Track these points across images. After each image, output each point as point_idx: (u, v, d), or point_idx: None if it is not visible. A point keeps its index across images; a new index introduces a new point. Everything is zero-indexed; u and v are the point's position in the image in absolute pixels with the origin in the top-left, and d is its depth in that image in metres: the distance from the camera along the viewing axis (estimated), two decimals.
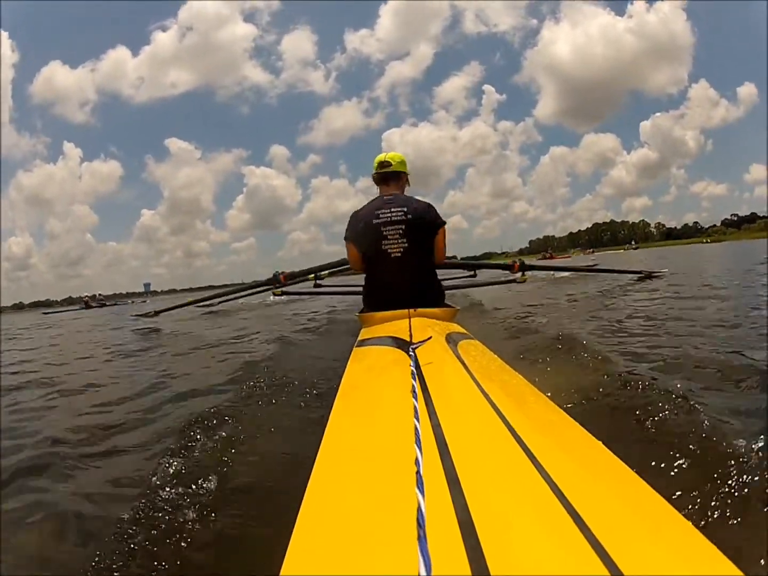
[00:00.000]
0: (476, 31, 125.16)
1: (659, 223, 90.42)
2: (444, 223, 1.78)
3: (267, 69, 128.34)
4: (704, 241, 50.71)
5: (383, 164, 1.83)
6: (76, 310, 21.64)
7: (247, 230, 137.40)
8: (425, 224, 1.71)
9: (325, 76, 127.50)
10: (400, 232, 1.65)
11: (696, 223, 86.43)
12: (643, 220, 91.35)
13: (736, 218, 77.33)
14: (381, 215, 1.68)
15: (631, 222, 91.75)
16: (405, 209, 1.68)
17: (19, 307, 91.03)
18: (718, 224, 78.70)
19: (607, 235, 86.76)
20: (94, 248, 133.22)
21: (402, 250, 1.65)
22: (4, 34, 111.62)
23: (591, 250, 47.09)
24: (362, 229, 1.71)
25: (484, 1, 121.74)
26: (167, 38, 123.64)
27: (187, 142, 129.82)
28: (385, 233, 1.66)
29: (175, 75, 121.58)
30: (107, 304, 24.18)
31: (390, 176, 1.82)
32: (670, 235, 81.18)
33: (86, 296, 23.85)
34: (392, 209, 1.68)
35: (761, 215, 70.43)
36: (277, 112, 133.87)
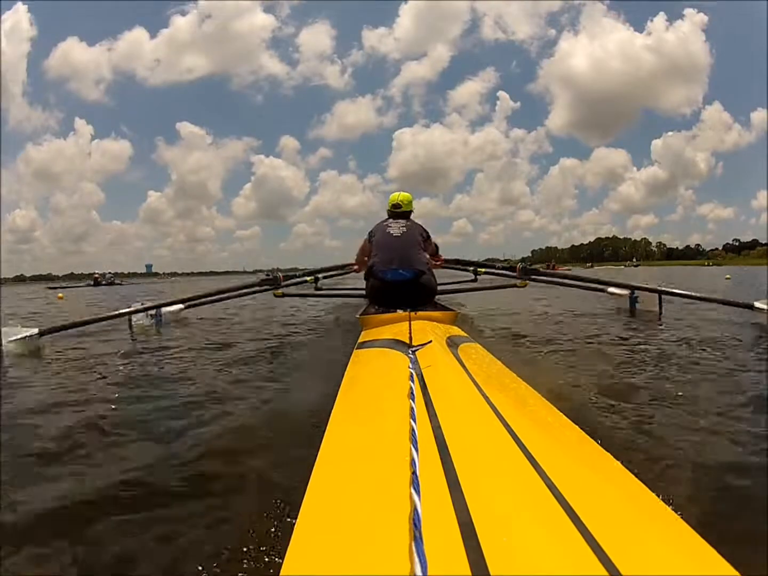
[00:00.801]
0: (494, 37, 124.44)
1: (660, 242, 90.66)
2: (429, 237, 2.51)
3: (284, 60, 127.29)
4: (706, 263, 50.72)
5: (396, 206, 2.57)
6: (84, 286, 21.87)
7: (253, 219, 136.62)
8: (420, 229, 2.48)
9: (341, 72, 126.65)
10: (401, 223, 2.42)
11: (698, 245, 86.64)
12: (645, 239, 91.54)
13: (737, 243, 77.58)
14: (390, 221, 2.47)
15: (633, 239, 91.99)
16: (406, 220, 2.49)
17: (20, 280, 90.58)
18: (720, 248, 79.05)
19: (608, 251, 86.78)
20: (98, 226, 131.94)
21: (401, 232, 2.36)
22: (24, 8, 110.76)
23: (590, 264, 46.49)
24: (375, 229, 2.49)
25: (504, 8, 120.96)
26: (186, 23, 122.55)
27: (198, 127, 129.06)
28: (390, 224, 2.43)
29: (191, 60, 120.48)
30: (116, 282, 24.38)
31: (400, 214, 2.55)
32: (670, 255, 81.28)
33: (97, 274, 24.18)
34: (398, 219, 2.49)
35: (763, 242, 70.57)
36: (290, 104, 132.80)
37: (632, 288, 4.04)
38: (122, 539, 0.81)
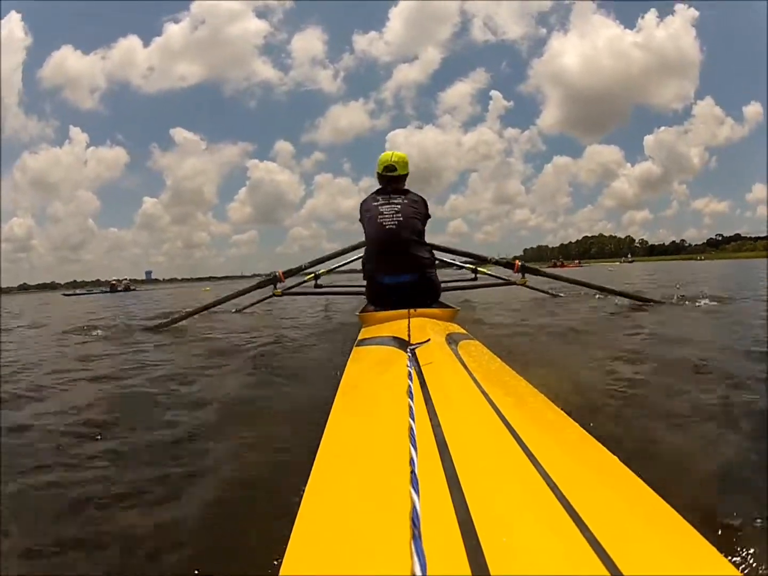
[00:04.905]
0: (484, 38, 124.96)
1: (643, 239, 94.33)
2: (429, 216, 2.08)
3: (276, 66, 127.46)
4: (698, 258, 51.26)
5: (389, 168, 2.03)
6: (100, 293, 21.47)
7: (249, 223, 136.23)
8: (419, 210, 2.01)
9: (333, 76, 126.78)
10: (395, 205, 1.96)
11: (683, 240, 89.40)
12: (629, 236, 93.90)
13: (720, 238, 79.60)
14: (381, 199, 2.00)
15: (617, 237, 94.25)
16: (402, 197, 2.00)
17: (24, 288, 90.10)
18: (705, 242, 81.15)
19: (595, 248, 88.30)
20: (95, 233, 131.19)
21: (397, 222, 1.93)
22: (17, 16, 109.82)
23: (577, 262, 46.21)
24: (365, 210, 2.03)
25: (494, 8, 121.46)
26: (179, 30, 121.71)
27: (192, 133, 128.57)
28: (382, 210, 1.97)
29: (185, 67, 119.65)
30: (131, 289, 23.94)
31: (394, 179, 2.05)
32: (652, 251, 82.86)
33: (114, 280, 23.70)
34: (392, 195, 2.00)
35: (744, 236, 72.18)
36: (283, 109, 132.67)
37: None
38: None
